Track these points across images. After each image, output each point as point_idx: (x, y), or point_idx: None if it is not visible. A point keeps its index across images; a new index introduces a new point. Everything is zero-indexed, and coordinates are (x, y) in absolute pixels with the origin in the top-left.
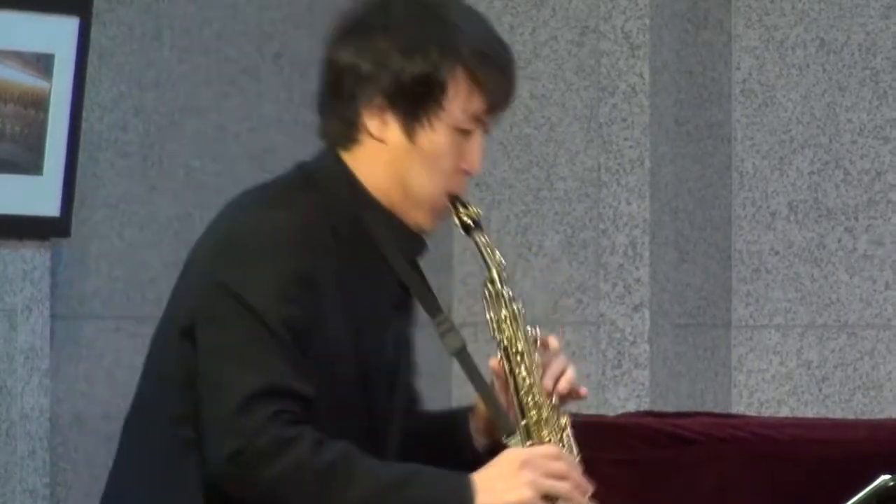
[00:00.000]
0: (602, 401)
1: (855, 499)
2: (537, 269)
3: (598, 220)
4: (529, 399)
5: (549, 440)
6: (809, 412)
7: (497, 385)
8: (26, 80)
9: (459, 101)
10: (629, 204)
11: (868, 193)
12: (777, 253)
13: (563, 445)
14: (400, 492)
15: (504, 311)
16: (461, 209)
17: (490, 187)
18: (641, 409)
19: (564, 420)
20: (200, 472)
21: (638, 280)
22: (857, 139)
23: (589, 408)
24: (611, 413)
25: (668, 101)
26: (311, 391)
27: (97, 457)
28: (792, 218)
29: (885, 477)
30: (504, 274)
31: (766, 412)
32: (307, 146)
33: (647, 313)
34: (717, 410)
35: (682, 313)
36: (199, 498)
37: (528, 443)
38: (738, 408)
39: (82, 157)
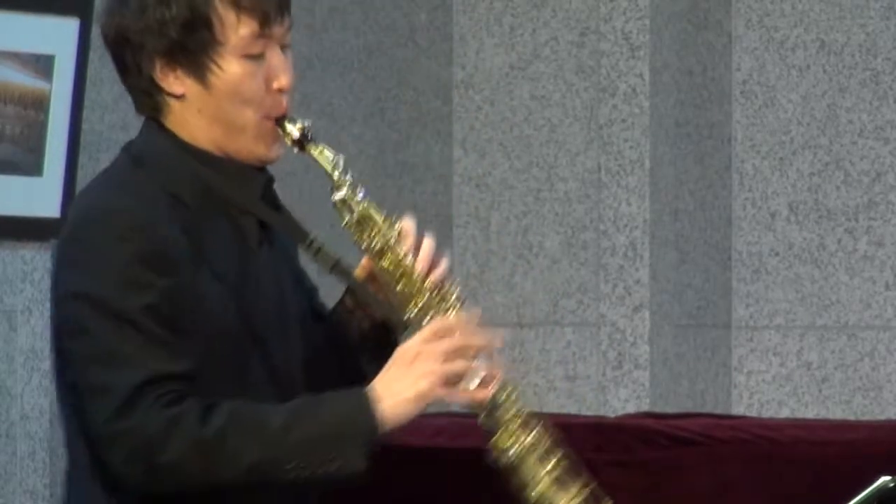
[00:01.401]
0: (602, 402)
1: (855, 500)
2: (537, 270)
3: (599, 221)
4: (405, 288)
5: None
6: (810, 413)
7: (374, 287)
8: (27, 80)
9: (231, 30)
10: (629, 205)
11: (868, 194)
12: (777, 254)
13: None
14: (298, 429)
15: (355, 213)
16: (289, 126)
17: (490, 188)
18: (641, 410)
19: (452, 297)
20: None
21: (638, 281)
22: (858, 140)
23: (589, 409)
24: (611, 414)
25: (668, 101)
26: (188, 366)
27: None
28: (792, 219)
29: (885, 478)
30: (347, 175)
31: (767, 413)
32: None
33: (647, 314)
34: (718, 411)
35: (683, 314)
36: None
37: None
38: (739, 409)
39: (83, 158)
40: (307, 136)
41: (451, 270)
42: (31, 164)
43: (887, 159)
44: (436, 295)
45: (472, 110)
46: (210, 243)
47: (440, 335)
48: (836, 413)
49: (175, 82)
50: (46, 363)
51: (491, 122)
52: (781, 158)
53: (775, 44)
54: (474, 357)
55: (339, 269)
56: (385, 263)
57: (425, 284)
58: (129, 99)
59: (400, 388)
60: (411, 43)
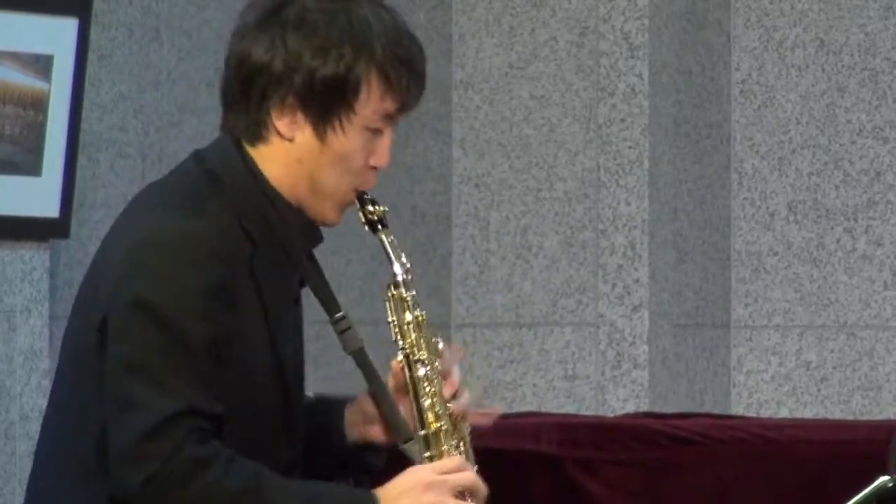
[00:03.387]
0: (601, 401)
1: (854, 499)
2: (536, 270)
3: (598, 221)
4: (429, 408)
5: (450, 451)
6: (808, 413)
7: (393, 389)
8: (25, 81)
9: (372, 102)
10: (628, 204)
11: (867, 194)
12: (776, 253)
13: (464, 457)
14: None
15: (407, 316)
16: (368, 207)
17: (489, 188)
18: (640, 409)
19: (465, 430)
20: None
21: (637, 281)
22: (857, 140)
23: (588, 408)
24: (610, 414)
25: (667, 101)
26: (222, 409)
27: None
28: (791, 218)
29: (884, 478)
30: (409, 277)
31: (765, 413)
32: None
33: (646, 314)
34: (716, 411)
35: (681, 314)
36: None
37: (427, 454)
38: (737, 408)
39: (81, 158)
40: (383, 223)
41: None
42: (29, 164)
43: (886, 159)
44: (454, 423)
45: (471, 110)
46: (265, 287)
47: (455, 470)
48: (835, 413)
49: (291, 125)
50: (45, 363)
51: (490, 122)
52: (780, 158)
53: (774, 43)
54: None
55: (362, 356)
56: (422, 373)
57: (449, 410)
58: (129, 100)
59: None
60: None
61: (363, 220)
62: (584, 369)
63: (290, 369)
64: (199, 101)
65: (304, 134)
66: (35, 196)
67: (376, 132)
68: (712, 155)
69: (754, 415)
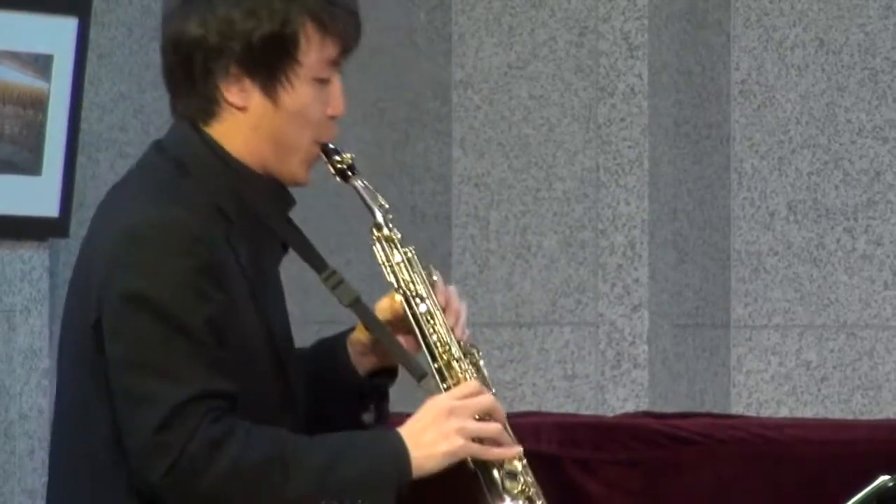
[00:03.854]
0: (601, 401)
1: (854, 499)
2: (536, 270)
3: (597, 221)
4: (437, 340)
5: (465, 378)
6: (808, 412)
7: (394, 329)
8: (25, 80)
9: (314, 51)
10: (628, 204)
11: (867, 194)
12: (776, 253)
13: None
14: (337, 470)
15: (396, 255)
16: (335, 157)
17: (489, 187)
18: (640, 409)
19: (477, 353)
20: (131, 488)
21: (637, 280)
22: (857, 139)
23: (588, 408)
24: (609, 413)
25: (666, 101)
26: (234, 386)
27: None
28: (791, 218)
29: (884, 477)
30: (389, 216)
31: (765, 412)
32: None
33: (645, 314)
34: (716, 411)
35: (681, 314)
36: None
37: (444, 385)
38: (737, 408)
39: (81, 158)
40: (353, 169)
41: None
42: (29, 164)
43: (886, 158)
44: (464, 350)
45: (470, 110)
46: (248, 262)
47: (473, 394)
48: (835, 412)
49: (241, 94)
50: (45, 363)
51: (490, 122)
52: (780, 158)
53: (774, 43)
54: (500, 430)
55: (359, 305)
56: (423, 310)
57: (455, 339)
58: (129, 99)
59: (431, 440)
60: (410, 43)
61: (332, 171)
62: (583, 369)
63: (279, 336)
64: None
65: (255, 100)
66: (35, 195)
67: (325, 82)
68: (712, 155)
69: (754, 414)
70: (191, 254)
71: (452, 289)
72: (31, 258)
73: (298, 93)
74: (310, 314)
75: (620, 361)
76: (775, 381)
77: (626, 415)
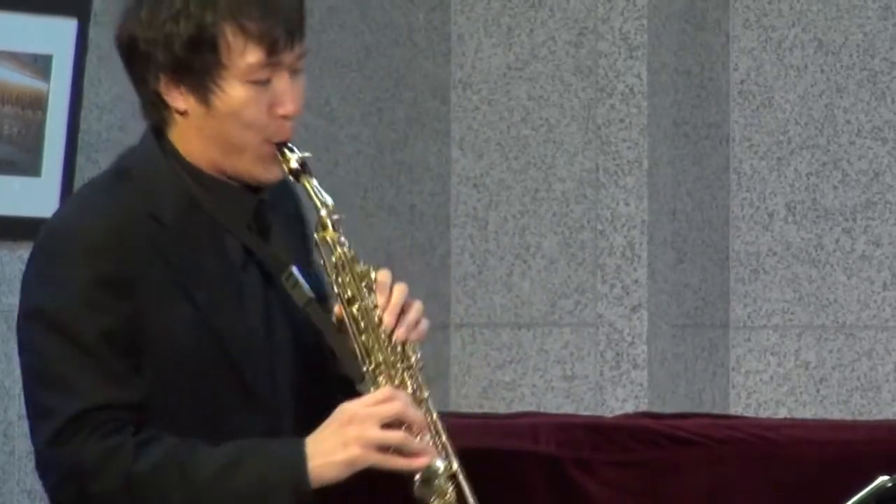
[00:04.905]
0: (600, 402)
1: (853, 500)
2: (535, 271)
3: (596, 221)
4: (366, 342)
5: (394, 381)
6: (807, 413)
7: (342, 333)
8: (24, 81)
9: (237, 55)
10: (627, 205)
11: (866, 194)
12: (775, 254)
13: (407, 386)
14: (232, 476)
15: (334, 257)
16: (288, 154)
17: (488, 188)
18: (639, 409)
19: (412, 359)
20: None
21: (636, 281)
22: (855, 140)
23: (587, 409)
24: (609, 414)
25: (665, 102)
26: (136, 396)
27: None
28: (790, 219)
29: (883, 478)
30: (334, 216)
31: (764, 413)
32: (303, 146)
33: (644, 314)
34: (715, 411)
35: (680, 314)
36: None
37: (374, 389)
38: (736, 409)
39: (80, 159)
40: (305, 168)
41: (418, 330)
42: (28, 165)
43: (885, 159)
44: (397, 353)
45: (469, 110)
46: (187, 265)
47: (382, 401)
48: (834, 413)
49: (178, 98)
50: None
51: (489, 122)
52: (779, 158)
53: (773, 44)
54: (417, 432)
55: (311, 307)
56: (354, 311)
57: (388, 340)
58: (127, 99)
59: (330, 448)
60: (409, 43)
61: (285, 170)
62: (582, 369)
63: (240, 340)
64: None
65: (191, 103)
66: (34, 196)
67: (264, 83)
68: (711, 155)
69: (753, 415)
70: (86, 263)
71: (399, 287)
72: None
73: (230, 96)
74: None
75: (619, 362)
76: (774, 381)
77: (626, 415)
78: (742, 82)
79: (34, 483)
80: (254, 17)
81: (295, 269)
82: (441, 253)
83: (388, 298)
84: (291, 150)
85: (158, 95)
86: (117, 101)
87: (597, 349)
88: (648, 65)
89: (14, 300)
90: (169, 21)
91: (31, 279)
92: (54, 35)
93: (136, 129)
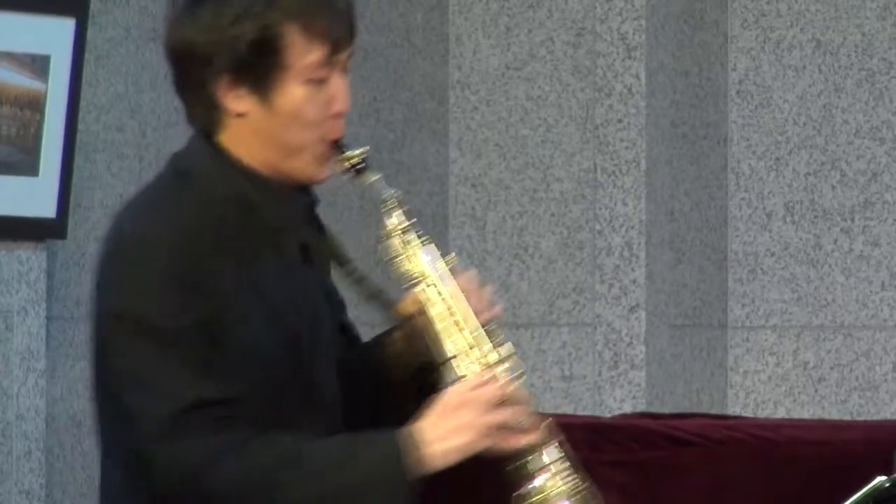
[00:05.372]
0: (598, 402)
1: (851, 500)
2: (533, 271)
3: (594, 222)
4: (451, 328)
5: (483, 364)
6: (806, 413)
7: (420, 322)
8: (22, 81)
9: (299, 54)
10: (625, 205)
11: (864, 194)
12: (773, 254)
13: (500, 364)
14: (344, 473)
15: (410, 245)
16: (346, 153)
17: (486, 188)
18: (638, 410)
19: (499, 337)
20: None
21: (634, 281)
22: (854, 140)
23: (585, 409)
24: (607, 414)
25: (664, 102)
26: (234, 390)
27: (93, 458)
28: (788, 219)
29: (881, 478)
30: (404, 207)
31: (763, 413)
32: None
33: (643, 314)
34: (714, 411)
35: (678, 314)
36: None
37: (461, 373)
38: (735, 409)
39: (78, 159)
40: (365, 164)
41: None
42: (26, 165)
43: (883, 159)
44: (484, 333)
45: (468, 111)
46: (253, 265)
47: (485, 384)
48: (832, 413)
49: (236, 100)
50: (42, 363)
51: (487, 123)
52: (777, 158)
53: (771, 44)
54: (514, 413)
55: (381, 299)
56: (432, 297)
57: (474, 321)
58: (126, 100)
59: (443, 435)
60: (407, 43)
61: (345, 168)
62: (580, 370)
63: (305, 336)
64: None
65: (250, 105)
66: (32, 196)
67: (321, 82)
68: (709, 155)
69: (751, 415)
70: (168, 263)
71: (471, 271)
72: (28, 259)
73: (291, 95)
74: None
75: (618, 362)
76: (772, 381)
77: (624, 416)
78: (740, 82)
79: (31, 483)
80: (317, 16)
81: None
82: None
83: (465, 282)
84: (348, 148)
85: (215, 99)
86: (115, 102)
87: (595, 349)
88: (647, 65)
89: (12, 300)
90: (233, 23)
91: (110, 284)
92: (52, 35)
93: (133, 128)
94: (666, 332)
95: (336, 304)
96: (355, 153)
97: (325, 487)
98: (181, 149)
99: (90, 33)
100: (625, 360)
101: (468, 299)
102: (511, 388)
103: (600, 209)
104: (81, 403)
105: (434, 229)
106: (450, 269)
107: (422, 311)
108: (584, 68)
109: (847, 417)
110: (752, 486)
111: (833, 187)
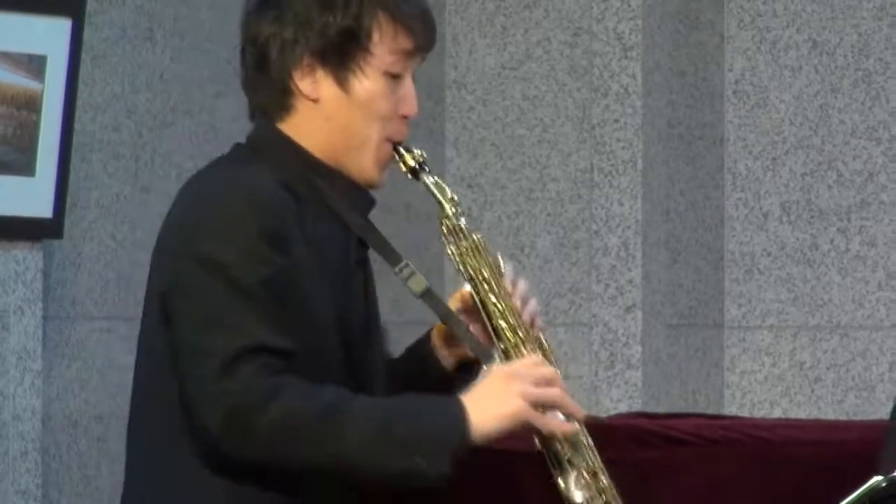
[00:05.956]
0: (594, 402)
1: (848, 500)
2: (529, 271)
3: (591, 222)
4: (503, 323)
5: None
6: (802, 413)
7: (466, 317)
8: (18, 81)
9: (385, 43)
10: (621, 205)
11: (861, 194)
12: (769, 254)
13: (545, 358)
14: (395, 425)
15: (464, 243)
16: (406, 155)
17: (482, 188)
18: (634, 410)
19: (543, 335)
20: (206, 456)
21: (630, 281)
22: (850, 140)
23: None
24: (603, 414)
25: (660, 102)
26: (291, 345)
27: (89, 457)
28: (784, 219)
29: (877, 478)
30: (458, 208)
31: (759, 413)
32: None
33: (639, 314)
34: (710, 411)
35: (675, 314)
36: (206, 483)
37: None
38: (731, 409)
39: (75, 158)
40: (423, 166)
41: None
42: (23, 165)
43: (879, 159)
44: (529, 334)
45: (464, 110)
46: (318, 242)
47: (538, 365)
48: (829, 413)
49: (313, 85)
50: (38, 363)
51: (483, 122)
52: (774, 159)
53: (767, 44)
54: (562, 395)
55: (430, 295)
56: (489, 297)
57: (523, 322)
58: (122, 100)
59: (492, 403)
60: None
61: (403, 168)
62: (577, 369)
63: (351, 326)
64: (192, 102)
65: (327, 89)
66: (28, 196)
67: (397, 78)
68: (705, 155)
69: (748, 415)
70: (254, 215)
71: (523, 279)
72: (24, 259)
73: (370, 81)
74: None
75: (614, 362)
76: (769, 381)
77: (620, 415)
78: (736, 82)
79: (28, 483)
80: (408, 9)
81: (409, 262)
82: (435, 252)
83: (516, 287)
84: (409, 151)
85: (291, 81)
86: (111, 101)
87: (591, 349)
88: (643, 65)
89: (8, 300)
90: (325, 12)
91: (194, 228)
92: (48, 35)
93: (129, 128)
94: (662, 331)
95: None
96: (413, 154)
97: (380, 437)
98: (248, 136)
99: (86, 33)
100: (621, 359)
101: (522, 302)
102: (556, 375)
103: (596, 209)
104: (77, 403)
105: (430, 228)
106: (498, 267)
107: (472, 309)
108: (580, 68)
109: (843, 417)
110: (748, 486)
111: (829, 187)
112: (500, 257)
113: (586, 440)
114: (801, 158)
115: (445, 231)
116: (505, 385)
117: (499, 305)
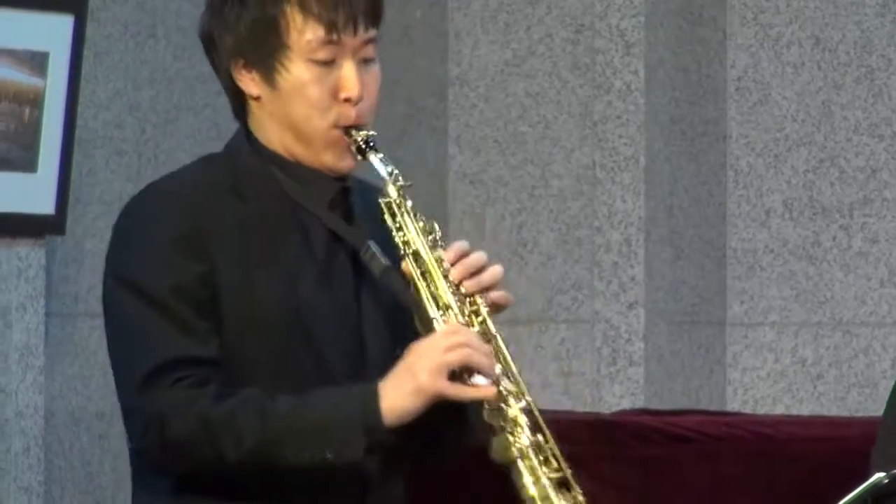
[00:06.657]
0: (597, 398)
1: (849, 496)
2: (532, 267)
3: (593, 218)
4: (434, 291)
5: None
6: (804, 410)
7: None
8: (21, 78)
9: (298, 33)
10: (624, 202)
11: (863, 191)
12: (772, 251)
13: (474, 325)
14: (303, 415)
15: (398, 218)
16: (354, 134)
17: (485, 185)
18: (636, 406)
19: (479, 306)
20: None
21: (633, 278)
22: (853, 137)
23: (584, 405)
24: (606, 411)
25: (663, 98)
26: (209, 352)
27: (91, 454)
28: (787, 215)
29: (879, 475)
30: (398, 182)
31: (761, 410)
32: None
33: (641, 311)
34: (712, 408)
35: (677, 311)
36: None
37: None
38: (733, 405)
39: (77, 155)
40: (369, 144)
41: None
42: (25, 161)
43: (882, 156)
44: (465, 301)
45: (466, 107)
46: (267, 239)
47: (446, 336)
48: (831, 410)
49: (250, 82)
50: (41, 360)
51: (486, 119)
52: (776, 155)
53: (770, 40)
54: (482, 361)
55: (388, 274)
56: (421, 266)
57: (456, 289)
58: (124, 97)
59: (402, 381)
60: (406, 40)
61: (352, 149)
62: (579, 366)
63: (319, 317)
64: (194, 99)
65: (261, 87)
66: (31, 193)
67: (326, 63)
68: (708, 152)
69: (750, 412)
70: (163, 223)
71: (479, 253)
72: (27, 255)
73: (293, 75)
74: None
75: (616, 359)
76: (771, 378)
77: (622, 412)
78: (739, 79)
79: (30, 480)
80: None
81: (372, 244)
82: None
83: (461, 257)
84: (357, 130)
85: (234, 83)
86: (114, 98)
87: (594, 346)
88: (645, 61)
89: (10, 296)
90: (235, 5)
91: (113, 244)
92: (51, 32)
93: (132, 125)
94: (665, 328)
95: (395, 309)
96: (358, 135)
97: (288, 425)
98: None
99: (89, 30)
100: (623, 356)
101: (460, 268)
102: (472, 338)
103: (599, 206)
104: (80, 400)
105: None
106: (452, 245)
107: (409, 282)
108: (583, 65)
109: (846, 414)
110: (750, 483)
111: (832, 184)
112: (434, 224)
113: (515, 397)
114: (804, 155)
115: (385, 207)
116: (415, 360)
117: (430, 275)
